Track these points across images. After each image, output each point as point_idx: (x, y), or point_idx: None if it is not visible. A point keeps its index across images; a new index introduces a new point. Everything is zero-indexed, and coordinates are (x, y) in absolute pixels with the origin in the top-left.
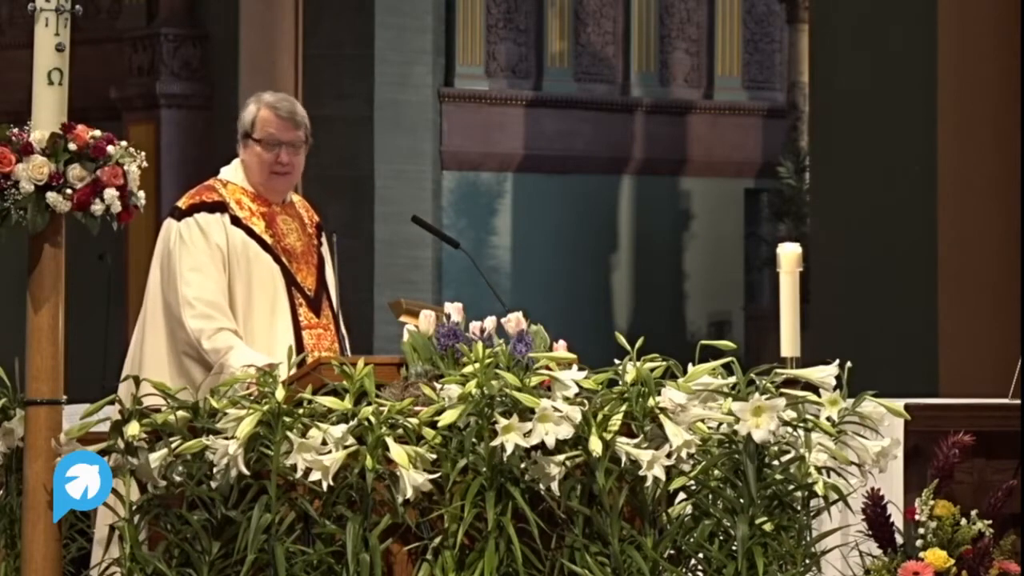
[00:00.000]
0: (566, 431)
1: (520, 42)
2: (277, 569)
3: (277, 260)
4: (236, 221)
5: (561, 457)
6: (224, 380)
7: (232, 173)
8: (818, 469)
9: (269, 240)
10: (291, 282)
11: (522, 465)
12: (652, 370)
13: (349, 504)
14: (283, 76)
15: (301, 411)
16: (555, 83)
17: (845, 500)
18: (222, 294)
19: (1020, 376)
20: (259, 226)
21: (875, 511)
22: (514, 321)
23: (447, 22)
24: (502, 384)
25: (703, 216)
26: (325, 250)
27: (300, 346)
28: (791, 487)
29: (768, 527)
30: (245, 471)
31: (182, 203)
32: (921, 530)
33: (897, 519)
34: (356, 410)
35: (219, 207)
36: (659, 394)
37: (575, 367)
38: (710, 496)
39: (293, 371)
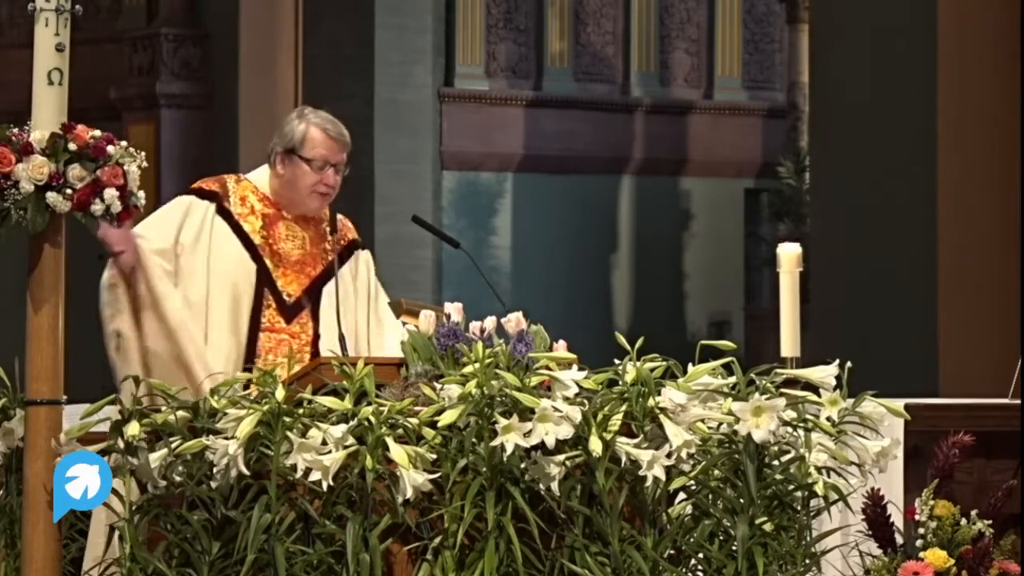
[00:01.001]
0: (566, 431)
1: (520, 42)
2: (277, 569)
3: (257, 260)
4: (226, 214)
5: (561, 457)
6: None
7: (256, 174)
8: (818, 469)
9: (257, 240)
10: (267, 284)
11: (522, 465)
12: (652, 370)
13: (349, 504)
14: (283, 76)
15: (301, 411)
16: (555, 83)
17: (845, 500)
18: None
19: (1020, 376)
20: (252, 225)
21: (875, 511)
22: (514, 321)
23: (447, 22)
24: (502, 384)
25: (703, 216)
26: (347, 271)
27: (252, 345)
28: (791, 487)
29: (768, 527)
30: (245, 471)
31: (193, 185)
32: (921, 530)
33: (897, 519)
34: (356, 410)
35: (210, 196)
36: (659, 394)
37: (575, 367)
38: (710, 496)
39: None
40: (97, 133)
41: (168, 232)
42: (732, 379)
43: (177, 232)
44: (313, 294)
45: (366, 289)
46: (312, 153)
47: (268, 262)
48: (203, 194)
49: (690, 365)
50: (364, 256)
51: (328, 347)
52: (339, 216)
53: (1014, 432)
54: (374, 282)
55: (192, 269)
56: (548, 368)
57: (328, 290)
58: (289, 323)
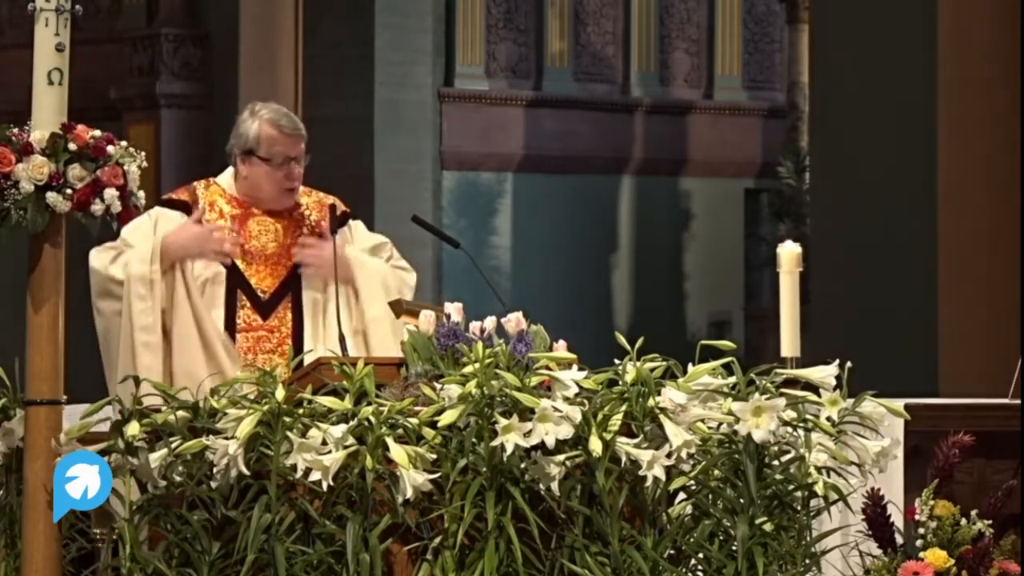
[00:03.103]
0: (566, 431)
1: (520, 42)
2: (277, 569)
3: (227, 263)
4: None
5: (561, 457)
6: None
7: (224, 176)
8: (818, 469)
9: None
10: (239, 284)
11: (522, 465)
12: (652, 370)
13: (349, 504)
14: (283, 76)
15: (301, 411)
16: (555, 83)
17: (845, 500)
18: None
19: (1020, 376)
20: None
21: (875, 511)
22: (514, 321)
23: (447, 22)
24: (502, 384)
25: (703, 216)
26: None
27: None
28: (791, 487)
29: (768, 527)
30: (245, 471)
31: (164, 196)
32: (921, 530)
33: (897, 519)
34: (356, 410)
35: (181, 206)
36: (659, 394)
37: (575, 367)
38: (710, 496)
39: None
40: (97, 133)
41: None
42: (732, 379)
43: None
44: (293, 284)
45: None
46: (270, 152)
47: (240, 263)
48: (173, 204)
49: (690, 365)
50: (352, 227)
51: (316, 334)
52: (320, 195)
53: (1014, 432)
54: (366, 250)
55: (166, 282)
56: (548, 368)
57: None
58: (266, 319)
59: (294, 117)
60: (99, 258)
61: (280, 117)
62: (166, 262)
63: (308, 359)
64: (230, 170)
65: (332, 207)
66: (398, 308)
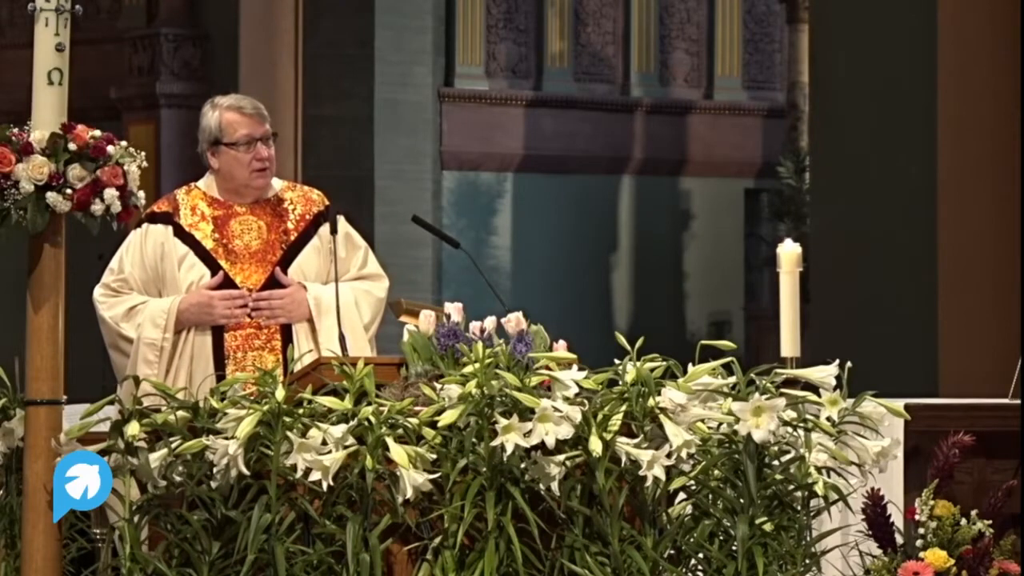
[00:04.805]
0: (566, 431)
1: (520, 42)
2: (277, 569)
3: (212, 265)
4: (180, 231)
5: (561, 457)
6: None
7: (204, 180)
8: (818, 469)
9: (210, 244)
10: (225, 285)
11: (522, 465)
12: (652, 370)
13: (349, 504)
14: (283, 76)
15: (301, 411)
16: (555, 83)
17: (845, 500)
18: (138, 284)
19: (1020, 376)
20: (204, 231)
21: (875, 511)
22: (514, 321)
23: (447, 22)
24: (502, 384)
25: (703, 216)
26: (319, 242)
27: (220, 349)
28: (791, 487)
29: (768, 527)
30: (245, 471)
31: (147, 210)
32: (921, 530)
33: (897, 519)
34: (356, 410)
35: (164, 218)
36: (659, 394)
37: (575, 367)
38: (710, 496)
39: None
40: (97, 133)
41: (144, 271)
42: (732, 379)
43: (145, 265)
44: (278, 280)
45: (343, 258)
46: (234, 136)
47: (224, 263)
48: (156, 218)
49: (690, 365)
50: (335, 227)
51: (303, 327)
52: (305, 189)
53: (1014, 432)
54: (343, 253)
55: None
56: (548, 368)
57: (300, 266)
58: (254, 316)
59: (255, 100)
60: (109, 308)
61: (239, 101)
62: (179, 326)
63: (307, 359)
64: (206, 177)
65: (323, 212)
66: (398, 308)
